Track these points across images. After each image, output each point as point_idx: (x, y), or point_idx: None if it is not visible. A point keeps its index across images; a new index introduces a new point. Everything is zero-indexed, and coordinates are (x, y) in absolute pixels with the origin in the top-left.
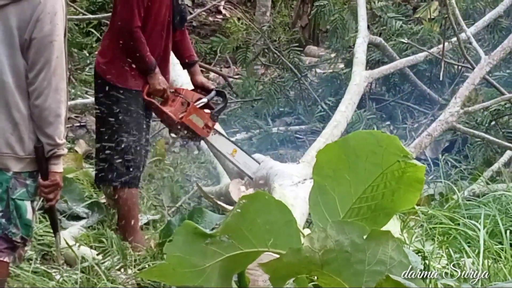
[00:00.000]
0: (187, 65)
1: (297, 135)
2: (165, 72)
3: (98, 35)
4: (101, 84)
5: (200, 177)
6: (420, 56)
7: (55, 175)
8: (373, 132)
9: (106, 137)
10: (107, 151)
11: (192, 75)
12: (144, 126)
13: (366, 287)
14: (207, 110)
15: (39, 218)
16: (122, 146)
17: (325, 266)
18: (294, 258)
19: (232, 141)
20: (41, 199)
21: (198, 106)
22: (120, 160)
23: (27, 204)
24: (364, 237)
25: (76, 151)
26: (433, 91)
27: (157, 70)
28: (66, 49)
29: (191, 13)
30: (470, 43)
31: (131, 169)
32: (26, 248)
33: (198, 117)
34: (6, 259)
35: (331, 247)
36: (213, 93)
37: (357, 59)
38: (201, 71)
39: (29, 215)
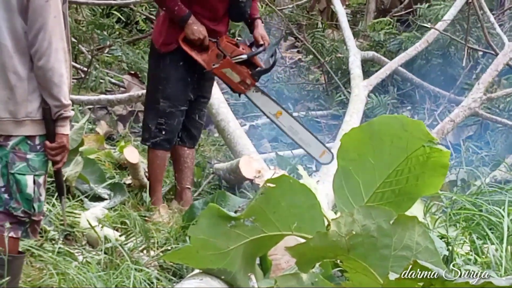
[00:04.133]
0: (249, 23)
1: (317, 120)
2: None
3: (119, 15)
4: (152, 52)
5: (220, 159)
6: (411, 51)
7: (62, 137)
8: (397, 116)
9: (147, 99)
10: (146, 112)
11: (253, 29)
12: (185, 92)
13: (392, 272)
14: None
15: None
16: (158, 108)
17: (351, 251)
18: (321, 242)
19: (278, 104)
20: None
21: (235, 61)
22: (153, 122)
23: (28, 178)
24: (391, 222)
25: (98, 132)
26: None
27: (191, 20)
28: (67, 14)
29: None
30: (494, 29)
31: (163, 132)
32: (41, 223)
33: (233, 72)
34: (11, 234)
35: (358, 232)
36: (257, 50)
37: (353, 75)
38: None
39: (29, 189)
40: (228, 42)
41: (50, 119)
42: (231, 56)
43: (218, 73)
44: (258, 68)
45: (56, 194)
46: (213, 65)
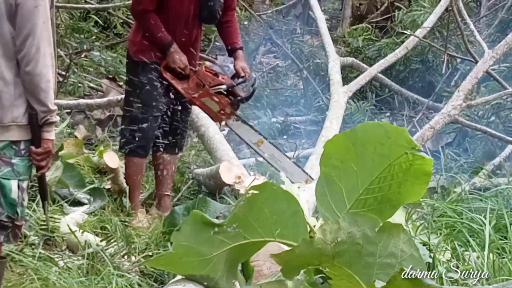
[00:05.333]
0: (230, 51)
1: (296, 125)
2: (189, 59)
3: (97, 18)
4: (127, 59)
5: (199, 165)
6: (390, 57)
7: (48, 143)
8: (381, 123)
9: (123, 105)
10: (122, 118)
11: (234, 60)
12: (158, 99)
13: (377, 280)
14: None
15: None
16: (132, 115)
17: (337, 258)
18: (306, 249)
19: (259, 132)
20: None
21: (215, 91)
22: (127, 129)
23: (13, 183)
24: (376, 229)
25: (76, 137)
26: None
27: (173, 48)
28: (54, 19)
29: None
30: (473, 36)
31: (136, 139)
32: (22, 228)
33: (212, 101)
34: None
35: (343, 239)
36: (237, 81)
37: (332, 80)
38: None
39: (14, 194)
40: (207, 71)
41: (36, 124)
42: (210, 86)
43: (198, 102)
44: (238, 98)
45: (37, 199)
46: (193, 94)
